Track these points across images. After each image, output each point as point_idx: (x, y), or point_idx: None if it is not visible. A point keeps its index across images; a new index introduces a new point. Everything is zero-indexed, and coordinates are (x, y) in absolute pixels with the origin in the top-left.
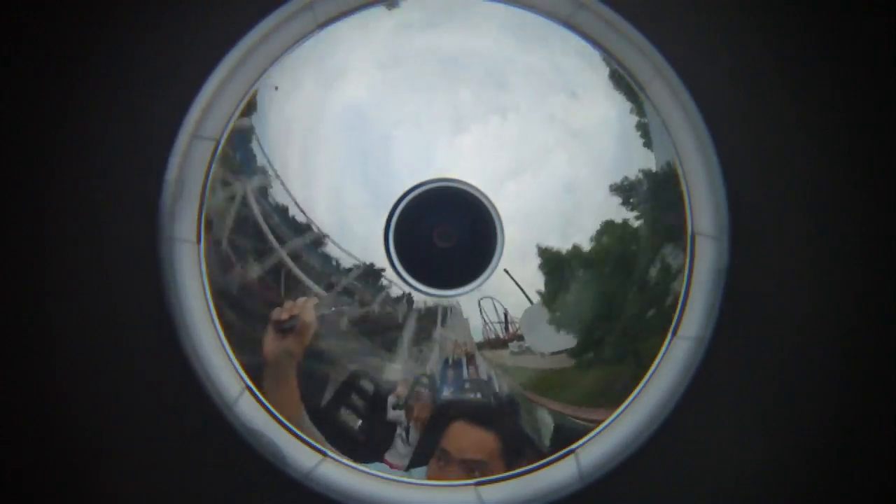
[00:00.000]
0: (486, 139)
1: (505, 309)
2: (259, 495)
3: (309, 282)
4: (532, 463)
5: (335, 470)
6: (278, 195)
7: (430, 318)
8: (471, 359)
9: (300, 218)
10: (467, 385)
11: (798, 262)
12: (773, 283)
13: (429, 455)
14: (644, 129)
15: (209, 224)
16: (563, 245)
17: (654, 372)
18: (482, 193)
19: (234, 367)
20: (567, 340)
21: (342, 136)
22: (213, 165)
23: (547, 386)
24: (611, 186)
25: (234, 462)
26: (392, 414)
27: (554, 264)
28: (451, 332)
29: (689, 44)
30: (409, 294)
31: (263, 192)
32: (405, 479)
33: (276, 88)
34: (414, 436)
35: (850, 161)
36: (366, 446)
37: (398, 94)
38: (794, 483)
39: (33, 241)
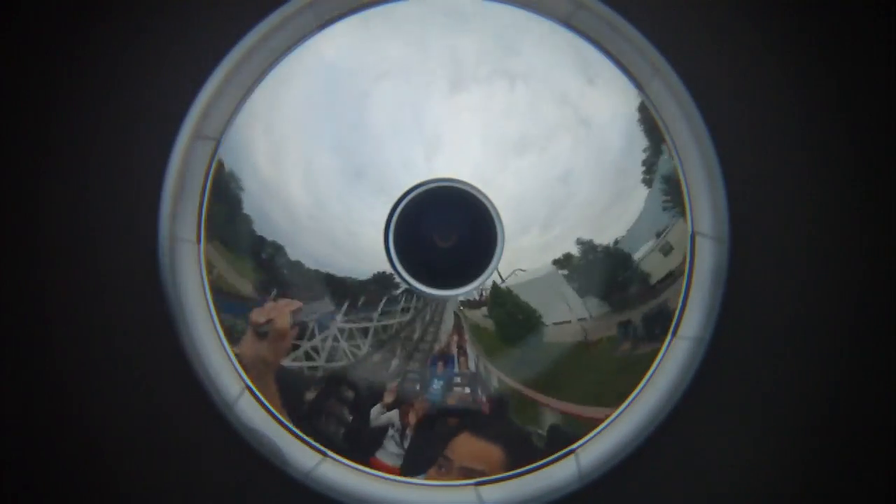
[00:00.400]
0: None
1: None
2: (259, 495)
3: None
4: (532, 462)
5: (335, 470)
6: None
7: (422, 315)
8: (461, 353)
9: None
10: (457, 380)
11: (798, 262)
12: (773, 283)
13: (430, 462)
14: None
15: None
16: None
17: (654, 372)
18: (482, 193)
19: (234, 367)
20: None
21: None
22: (213, 165)
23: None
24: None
25: (234, 462)
26: (381, 420)
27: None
28: (443, 326)
29: (689, 44)
30: (409, 294)
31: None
32: (405, 480)
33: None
34: (406, 436)
35: (850, 161)
36: (356, 447)
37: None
38: (794, 483)
39: (33, 241)
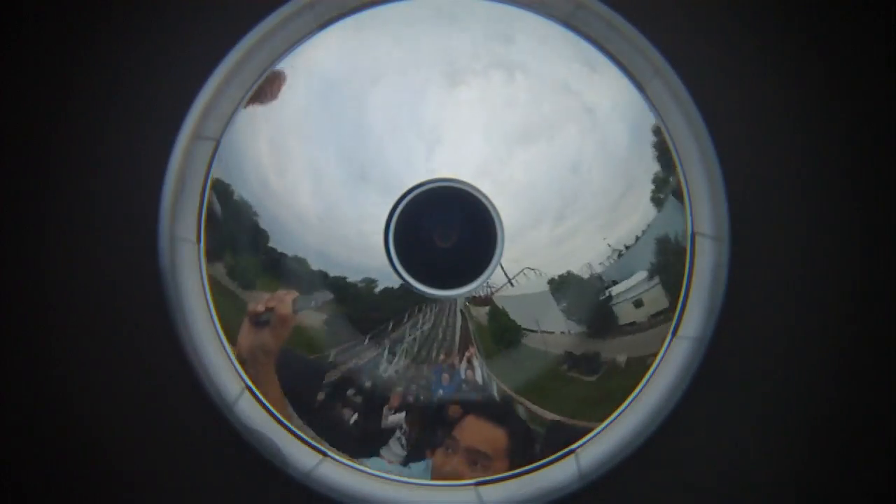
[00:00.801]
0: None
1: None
2: (259, 495)
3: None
4: (532, 462)
5: (335, 470)
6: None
7: (427, 319)
8: (468, 361)
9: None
10: (464, 387)
11: (797, 262)
12: (774, 283)
13: (437, 444)
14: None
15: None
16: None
17: (654, 372)
18: (482, 193)
19: (234, 367)
20: None
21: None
22: (213, 165)
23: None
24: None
25: (234, 462)
26: (390, 420)
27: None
28: (449, 333)
29: (689, 44)
30: (409, 294)
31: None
32: (405, 479)
33: None
34: (412, 438)
35: (850, 160)
36: (360, 444)
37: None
38: (794, 482)
39: (34, 240)
